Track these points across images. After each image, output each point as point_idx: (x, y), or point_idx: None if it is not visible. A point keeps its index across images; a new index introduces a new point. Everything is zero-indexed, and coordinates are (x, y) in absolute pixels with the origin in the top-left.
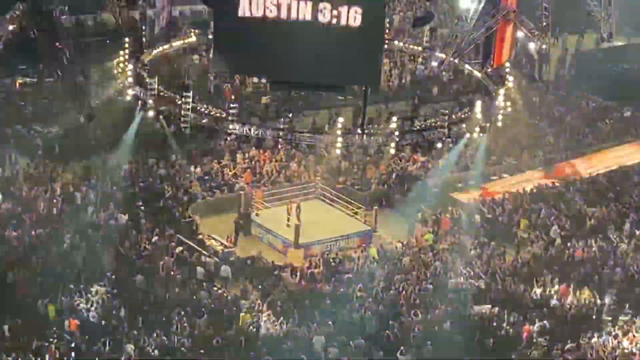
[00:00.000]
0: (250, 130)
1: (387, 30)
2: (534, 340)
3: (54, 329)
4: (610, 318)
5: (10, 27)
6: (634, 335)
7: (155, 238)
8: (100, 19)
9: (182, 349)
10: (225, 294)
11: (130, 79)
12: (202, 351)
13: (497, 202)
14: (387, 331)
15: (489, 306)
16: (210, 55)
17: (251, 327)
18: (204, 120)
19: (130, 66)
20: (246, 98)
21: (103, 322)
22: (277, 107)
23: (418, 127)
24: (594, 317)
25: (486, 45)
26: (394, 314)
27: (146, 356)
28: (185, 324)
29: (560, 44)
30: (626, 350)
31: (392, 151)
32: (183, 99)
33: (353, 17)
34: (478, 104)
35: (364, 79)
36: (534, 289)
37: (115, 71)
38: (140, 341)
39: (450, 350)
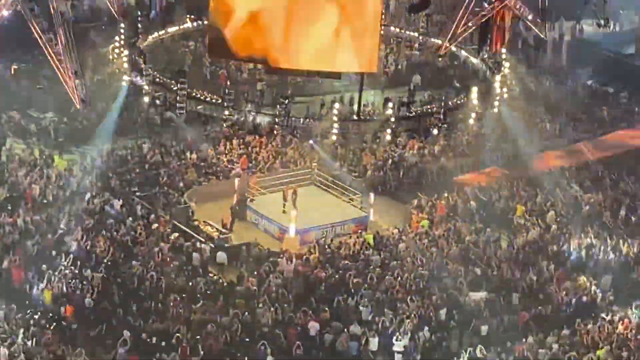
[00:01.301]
0: (245, 116)
1: (383, 16)
2: (530, 327)
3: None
4: (605, 304)
5: (5, 13)
6: (629, 321)
7: (154, 225)
8: (95, 4)
9: (178, 335)
10: (220, 280)
11: (125, 65)
12: (197, 337)
13: (493, 188)
14: (382, 317)
15: (485, 293)
16: (206, 41)
17: (246, 313)
18: (199, 107)
19: (126, 52)
20: (242, 84)
21: (98, 308)
22: (272, 93)
23: (414, 114)
24: (589, 303)
25: (482, 32)
26: (389, 301)
27: (142, 342)
28: (181, 310)
29: (557, 30)
30: (621, 336)
31: (388, 137)
32: (179, 85)
33: None
34: (474, 90)
35: (361, 65)
36: (530, 275)
37: (110, 57)
38: (135, 327)
39: (446, 337)
